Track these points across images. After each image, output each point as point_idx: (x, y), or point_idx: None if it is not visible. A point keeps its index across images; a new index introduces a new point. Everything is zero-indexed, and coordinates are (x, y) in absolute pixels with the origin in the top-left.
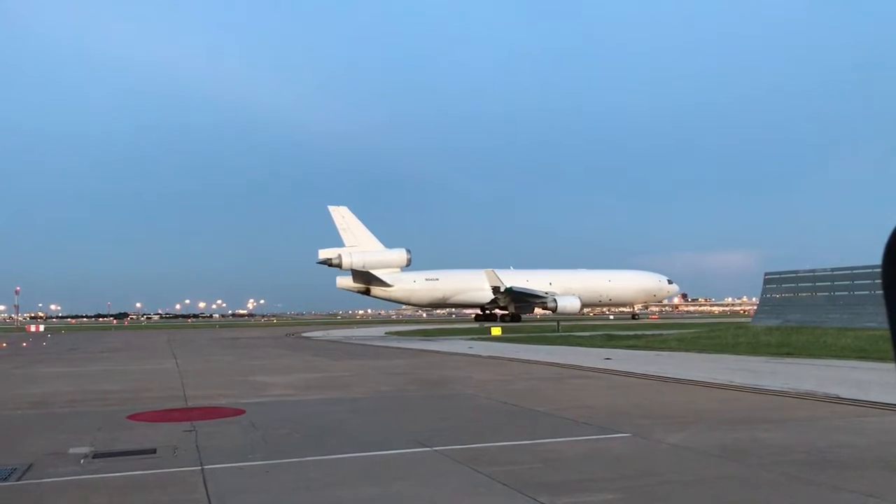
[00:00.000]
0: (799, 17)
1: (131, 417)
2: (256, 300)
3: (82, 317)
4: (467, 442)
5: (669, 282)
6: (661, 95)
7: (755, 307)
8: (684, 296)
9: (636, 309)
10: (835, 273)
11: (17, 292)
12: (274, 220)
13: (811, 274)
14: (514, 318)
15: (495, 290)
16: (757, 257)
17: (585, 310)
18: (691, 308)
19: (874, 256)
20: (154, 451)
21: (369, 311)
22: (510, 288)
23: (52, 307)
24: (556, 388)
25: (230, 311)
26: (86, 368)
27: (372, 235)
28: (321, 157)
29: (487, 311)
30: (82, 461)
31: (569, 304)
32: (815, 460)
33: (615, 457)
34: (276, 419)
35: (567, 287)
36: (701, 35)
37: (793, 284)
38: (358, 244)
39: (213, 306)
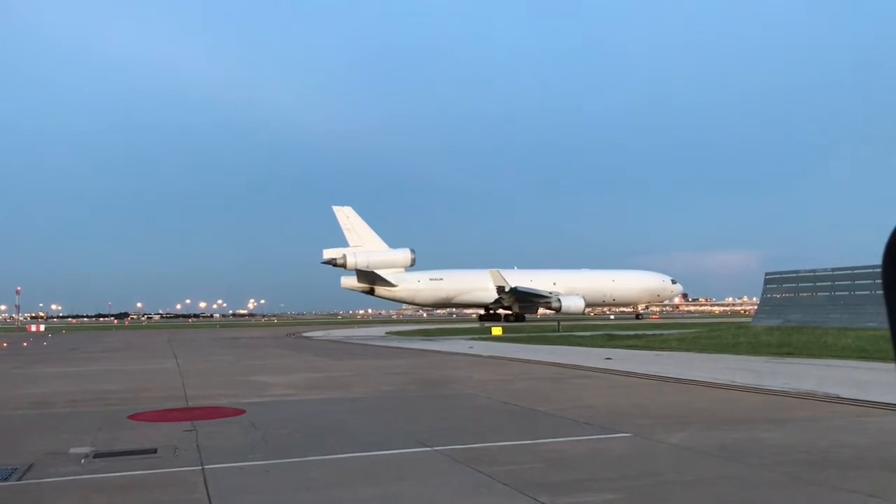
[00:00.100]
0: (799, 17)
1: (132, 417)
2: (257, 300)
3: (83, 317)
4: (468, 442)
5: (673, 281)
6: (661, 95)
7: (756, 307)
8: (685, 296)
9: (639, 309)
10: (835, 273)
11: (17, 292)
12: (274, 219)
13: (812, 274)
14: (518, 317)
15: (500, 290)
16: (757, 257)
17: (587, 310)
18: (692, 308)
19: (874, 256)
20: (155, 450)
21: (370, 310)
22: (515, 288)
23: (53, 307)
24: (556, 388)
25: (231, 311)
26: (86, 368)
27: (376, 235)
28: (321, 156)
29: (491, 311)
30: (83, 461)
31: (573, 304)
32: (815, 460)
33: (616, 457)
34: (276, 419)
35: (571, 287)
36: (701, 35)
37: (793, 284)
38: (362, 244)
39: (214, 306)
